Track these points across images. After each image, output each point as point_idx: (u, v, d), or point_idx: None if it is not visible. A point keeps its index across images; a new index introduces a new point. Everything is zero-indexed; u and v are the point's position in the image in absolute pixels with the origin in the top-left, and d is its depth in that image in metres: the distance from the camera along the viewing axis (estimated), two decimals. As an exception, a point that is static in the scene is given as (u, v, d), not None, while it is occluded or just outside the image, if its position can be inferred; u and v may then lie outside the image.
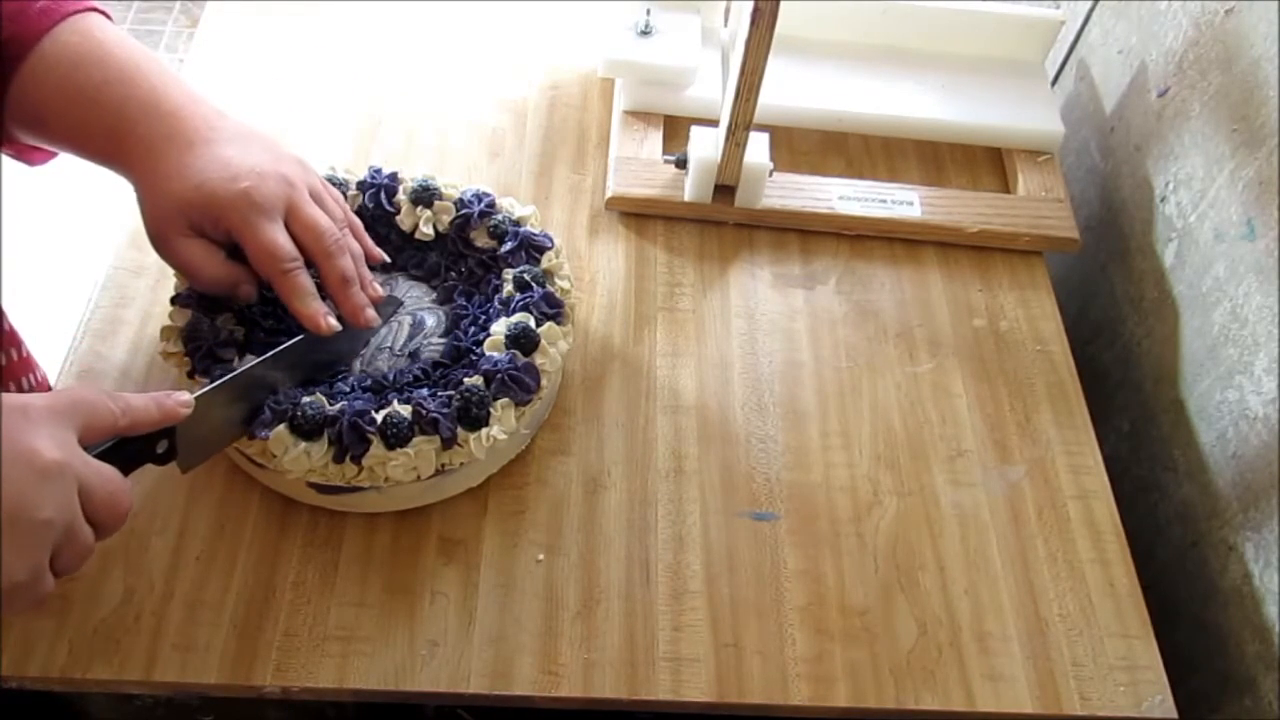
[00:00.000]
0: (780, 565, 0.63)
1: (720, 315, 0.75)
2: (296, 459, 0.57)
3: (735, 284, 0.77)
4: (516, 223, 0.68)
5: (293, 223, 0.58)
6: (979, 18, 0.88)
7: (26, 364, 0.67)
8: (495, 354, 0.61)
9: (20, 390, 0.64)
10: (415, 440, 0.58)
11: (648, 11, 0.83)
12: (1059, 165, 0.85)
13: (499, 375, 0.60)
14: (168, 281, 0.67)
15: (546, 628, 0.60)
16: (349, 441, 0.57)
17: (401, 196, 0.68)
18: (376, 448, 0.57)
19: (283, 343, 0.59)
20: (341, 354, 0.62)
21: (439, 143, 0.82)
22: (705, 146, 0.77)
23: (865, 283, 0.78)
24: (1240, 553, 0.69)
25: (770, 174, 0.77)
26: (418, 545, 0.62)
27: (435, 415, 0.58)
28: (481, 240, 0.68)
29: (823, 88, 0.87)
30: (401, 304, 0.66)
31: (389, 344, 0.64)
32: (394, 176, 0.69)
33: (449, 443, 0.58)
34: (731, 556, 0.63)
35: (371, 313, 0.61)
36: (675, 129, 0.83)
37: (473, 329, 0.64)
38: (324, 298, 0.59)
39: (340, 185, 0.68)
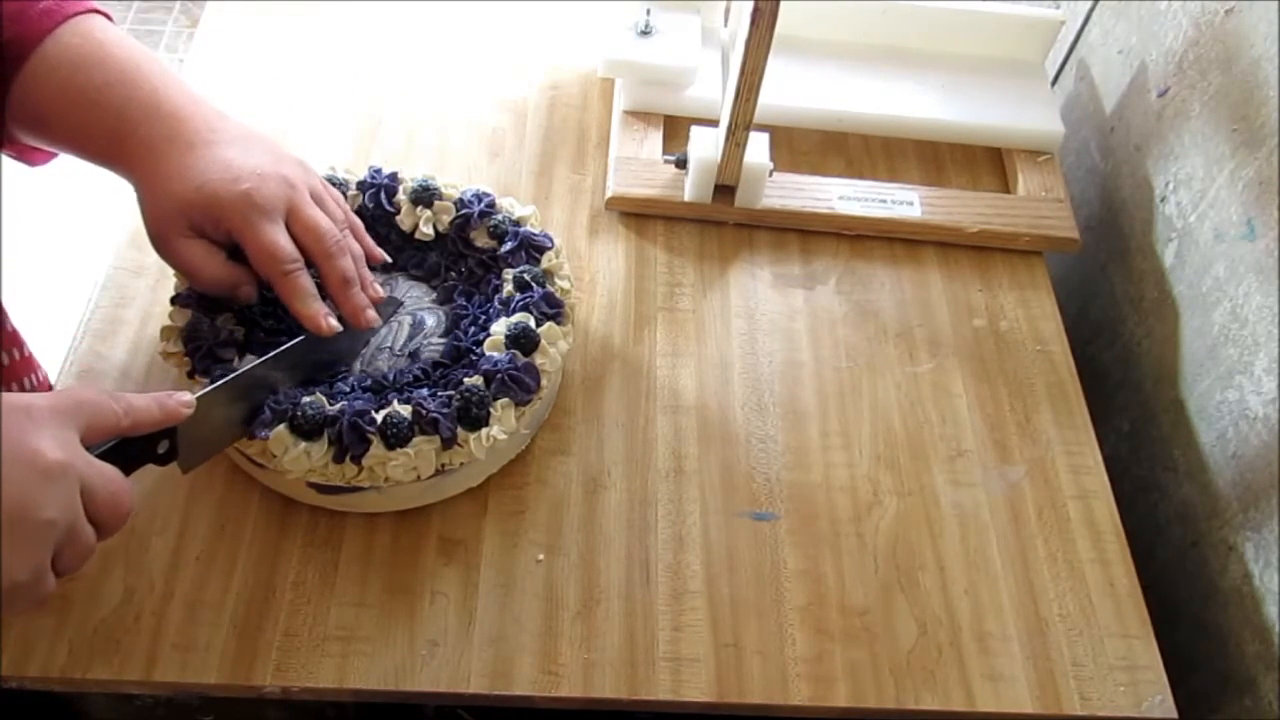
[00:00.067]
0: (780, 565, 0.63)
1: (720, 315, 0.75)
2: (296, 459, 0.57)
3: (735, 284, 0.77)
4: (516, 223, 0.68)
5: (293, 224, 0.58)
6: (979, 18, 0.88)
7: (28, 364, 0.67)
8: (495, 354, 0.61)
9: (22, 390, 0.64)
10: (415, 440, 0.58)
11: (648, 11, 0.83)
12: (1059, 165, 0.85)
13: (499, 375, 0.60)
14: (168, 281, 0.67)
15: (546, 628, 0.60)
16: (349, 441, 0.57)
17: (401, 196, 0.68)
18: (376, 448, 0.57)
19: (283, 343, 0.59)
20: (342, 354, 0.63)
21: (439, 143, 0.82)
22: (705, 146, 0.77)
23: (865, 283, 0.78)
24: (1240, 553, 0.69)
25: (770, 174, 0.77)
26: (418, 545, 0.62)
27: (435, 415, 0.58)
28: (481, 240, 0.68)
29: (823, 88, 0.87)
30: (401, 304, 0.66)
31: (389, 344, 0.64)
32: (394, 176, 0.69)
33: (449, 443, 0.58)
34: (731, 556, 0.63)
35: (372, 313, 0.61)
36: (675, 129, 0.83)
37: (473, 329, 0.64)
38: (324, 298, 0.59)
39: (340, 185, 0.68)
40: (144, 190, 0.57)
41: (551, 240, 0.68)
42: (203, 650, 0.57)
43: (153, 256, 0.59)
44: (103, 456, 0.47)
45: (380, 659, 0.58)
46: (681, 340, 0.73)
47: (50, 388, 0.68)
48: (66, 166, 0.62)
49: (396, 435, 0.57)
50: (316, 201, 0.60)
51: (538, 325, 0.63)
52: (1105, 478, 0.70)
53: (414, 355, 0.64)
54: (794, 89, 0.85)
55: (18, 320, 0.66)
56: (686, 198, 0.78)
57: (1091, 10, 0.93)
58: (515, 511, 0.64)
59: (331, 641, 0.58)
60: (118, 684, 0.56)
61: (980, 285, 0.79)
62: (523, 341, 0.62)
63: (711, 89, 0.84)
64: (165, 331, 0.62)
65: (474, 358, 0.62)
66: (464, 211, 0.68)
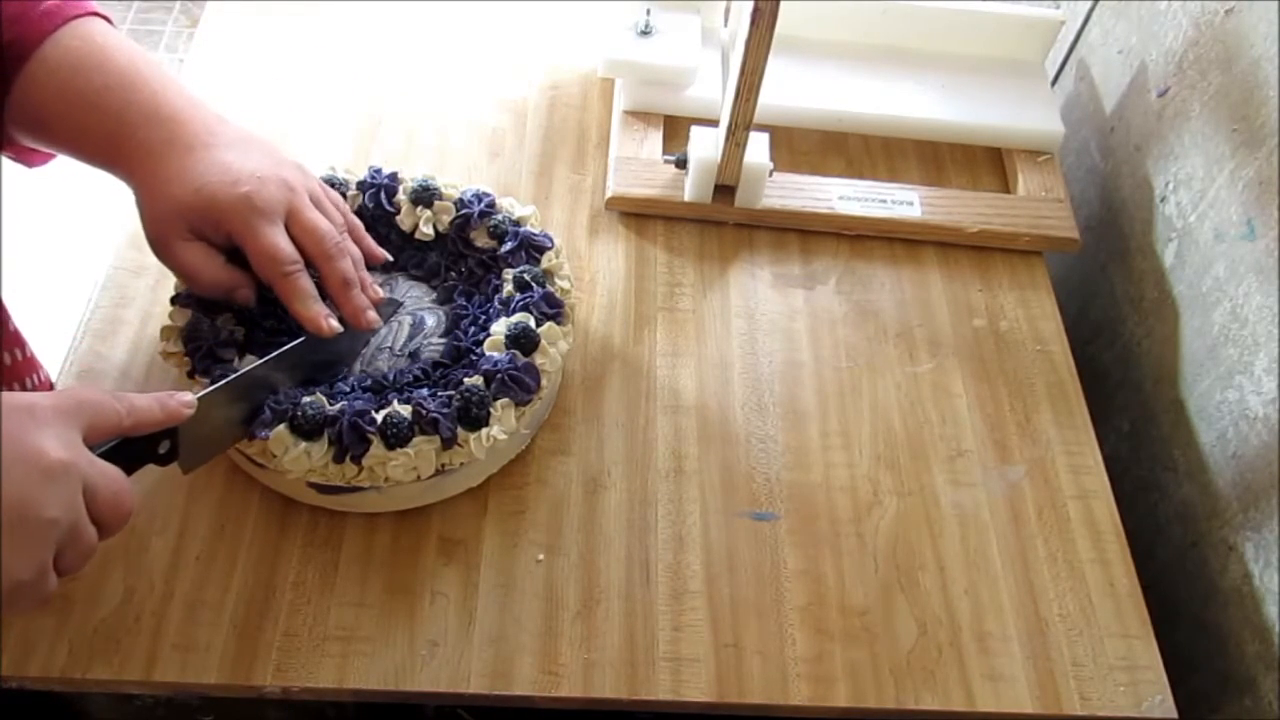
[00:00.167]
0: (780, 565, 0.63)
1: (720, 315, 0.75)
2: (296, 459, 0.57)
3: (735, 284, 0.77)
4: (516, 223, 0.68)
5: (293, 226, 0.58)
6: (979, 18, 0.88)
7: (30, 364, 0.67)
8: (495, 354, 0.62)
9: (23, 389, 0.64)
10: (415, 440, 0.58)
11: (648, 11, 0.83)
12: (1059, 165, 0.85)
13: (499, 375, 0.60)
14: (168, 281, 0.67)
15: (546, 628, 0.60)
16: (349, 441, 0.57)
17: (401, 196, 0.68)
18: (376, 448, 0.57)
19: (283, 343, 0.59)
20: (342, 355, 0.63)
21: (439, 143, 0.82)
22: (705, 146, 0.77)
23: (865, 283, 0.78)
24: (1240, 553, 0.69)
25: (770, 174, 0.77)
26: (418, 545, 0.62)
27: (435, 415, 0.58)
28: (481, 240, 0.68)
29: (823, 88, 0.87)
30: (401, 305, 0.66)
31: (389, 344, 0.64)
32: (394, 176, 0.69)
33: (449, 443, 0.59)
34: (731, 556, 0.63)
35: (372, 314, 0.61)
36: (675, 129, 0.83)
37: (473, 329, 0.64)
38: (324, 300, 0.60)
39: (340, 185, 0.68)
40: (143, 193, 0.57)
41: (551, 240, 0.68)
42: (203, 650, 0.57)
43: (153, 257, 0.59)
44: (104, 456, 0.47)
45: (380, 659, 0.58)
46: (681, 340, 0.73)
47: (52, 388, 0.68)
48: (66, 167, 0.62)
49: (396, 435, 0.57)
50: (315, 204, 0.60)
51: (538, 325, 0.63)
52: (1105, 478, 0.70)
53: (414, 355, 0.64)
54: (794, 89, 0.85)
55: (19, 320, 0.66)
56: (686, 198, 0.78)
57: (1091, 10, 0.93)
58: (515, 511, 0.64)
59: (331, 641, 0.58)
60: (118, 684, 0.56)
61: (980, 285, 0.79)
62: (523, 341, 0.62)
63: (711, 89, 0.84)
64: (165, 331, 0.62)
65: (474, 358, 0.62)
66: (464, 211, 0.68)
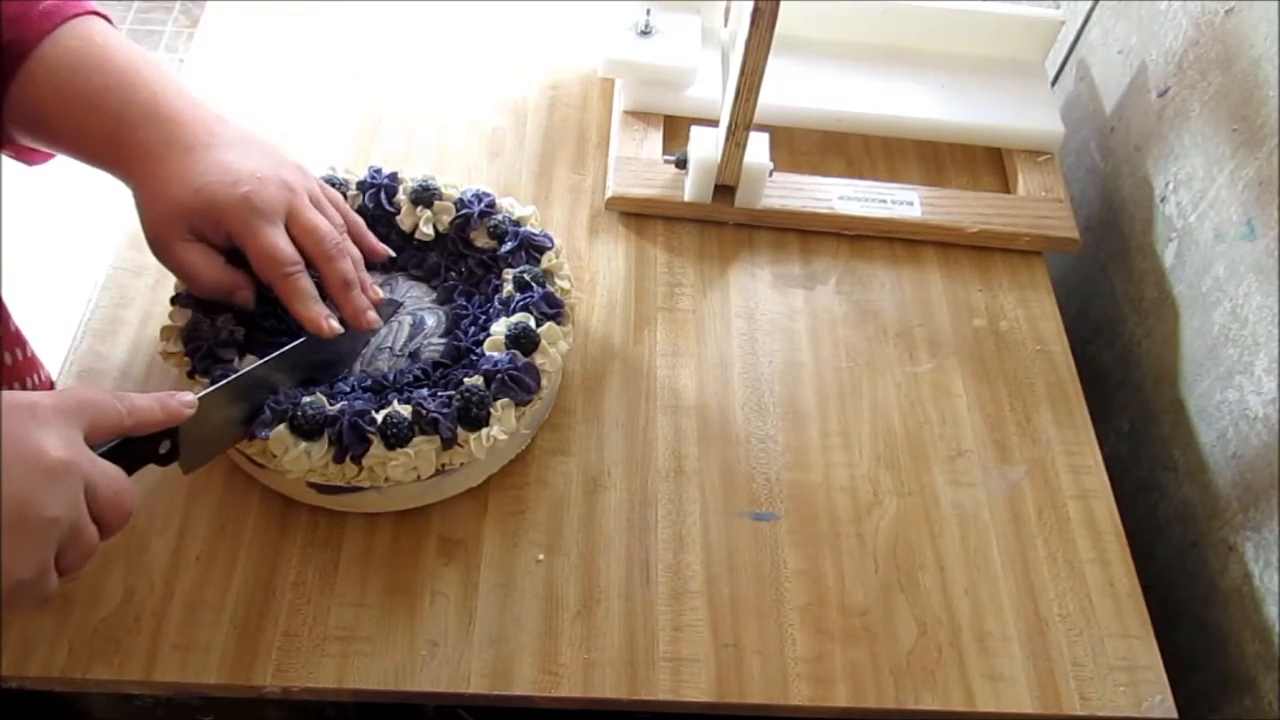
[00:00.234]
0: (780, 565, 0.63)
1: (720, 315, 0.75)
2: (296, 459, 0.57)
3: (735, 284, 0.77)
4: (516, 223, 0.68)
5: (293, 227, 0.58)
6: (979, 18, 0.88)
7: (31, 364, 0.67)
8: (495, 354, 0.62)
9: (24, 389, 0.64)
10: (415, 440, 0.58)
11: (648, 11, 0.83)
12: (1059, 165, 0.85)
13: (499, 375, 0.60)
14: (168, 281, 0.67)
15: (546, 628, 0.60)
16: (349, 441, 0.57)
17: (401, 196, 0.68)
18: (376, 448, 0.57)
19: (283, 343, 0.59)
20: (342, 355, 0.63)
21: (439, 143, 0.82)
22: (705, 146, 0.77)
23: (865, 283, 0.78)
24: (1240, 553, 0.69)
25: (770, 174, 0.77)
26: (418, 545, 0.62)
27: (435, 415, 0.58)
28: (481, 240, 0.68)
29: (823, 88, 0.87)
30: (401, 305, 0.66)
31: (389, 344, 0.64)
32: (394, 176, 0.69)
33: (449, 443, 0.59)
34: (731, 556, 0.63)
35: (373, 315, 0.61)
36: (675, 129, 0.83)
37: (473, 329, 0.64)
38: (324, 300, 0.60)
39: (340, 185, 0.68)
40: (142, 194, 0.57)
41: (551, 240, 0.68)
42: (203, 650, 0.57)
43: (153, 257, 0.59)
44: (105, 456, 0.47)
45: (380, 659, 0.58)
46: (681, 340, 0.73)
47: (53, 387, 0.68)
48: (66, 167, 0.62)
49: (396, 435, 0.57)
50: (315, 204, 0.60)
51: (538, 325, 0.63)
52: (1105, 478, 0.70)
53: (414, 355, 0.64)
54: (794, 89, 0.85)
55: (19, 320, 0.66)
56: (686, 198, 0.78)
57: (1091, 10, 0.93)
58: (515, 511, 0.64)
59: (331, 641, 0.58)
60: (118, 684, 0.56)
61: (980, 285, 0.79)
62: (523, 341, 0.62)
63: (711, 89, 0.84)
64: (165, 331, 0.62)
65: (474, 358, 0.62)
66: (464, 211, 0.68)
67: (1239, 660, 0.68)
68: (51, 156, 0.61)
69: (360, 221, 0.65)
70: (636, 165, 0.80)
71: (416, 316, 0.65)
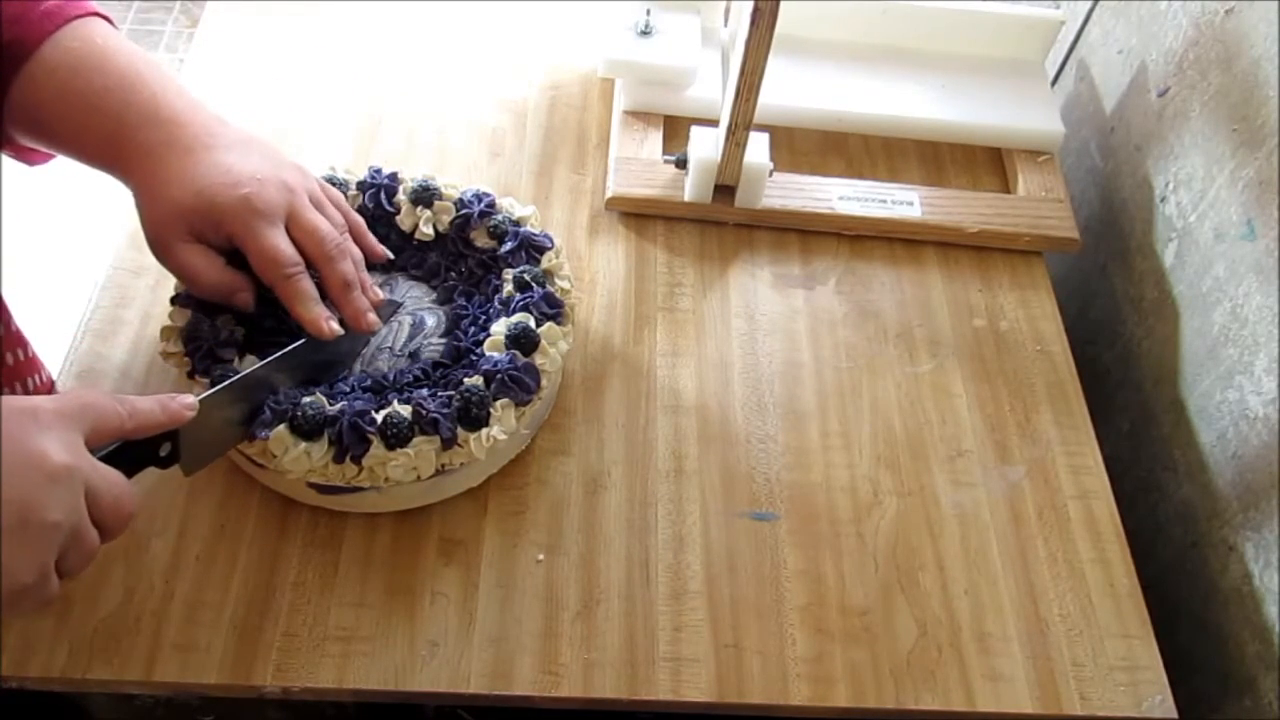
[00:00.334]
0: (780, 565, 0.63)
1: (720, 315, 0.75)
2: (296, 459, 0.57)
3: (735, 284, 0.77)
4: (516, 223, 0.68)
5: (293, 228, 0.58)
6: (979, 18, 0.88)
7: (32, 364, 0.67)
8: (495, 354, 0.62)
9: (25, 389, 0.64)
10: (415, 440, 0.58)
11: (648, 11, 0.83)
12: (1059, 165, 0.85)
13: (499, 375, 0.60)
14: (168, 281, 0.67)
15: (546, 628, 0.60)
16: (349, 441, 0.57)
17: (401, 196, 0.68)
18: (376, 448, 0.57)
19: (283, 343, 0.59)
20: (343, 356, 0.63)
21: (439, 143, 0.82)
22: (705, 146, 0.77)
23: (865, 283, 0.78)
24: (1240, 553, 0.69)
25: (770, 174, 0.77)
26: (418, 545, 0.62)
27: (435, 415, 0.58)
28: (481, 240, 0.68)
29: (823, 88, 0.87)
30: (401, 305, 0.66)
31: (389, 344, 0.64)
32: (394, 176, 0.69)
33: (449, 443, 0.59)
34: (731, 556, 0.63)
35: (373, 316, 0.61)
36: (675, 129, 0.83)
37: (473, 329, 0.64)
38: (324, 301, 0.60)
39: (340, 185, 0.68)
40: (142, 195, 0.57)
41: (551, 240, 0.68)
42: (203, 650, 0.57)
43: (153, 257, 0.59)
44: (105, 459, 0.47)
45: (380, 659, 0.58)
46: (681, 340, 0.73)
47: (53, 386, 0.68)
48: (66, 167, 0.62)
49: (396, 435, 0.57)
50: (315, 205, 0.60)
51: (538, 325, 0.63)
52: (1105, 478, 0.70)
53: (414, 355, 0.64)
54: (794, 89, 0.85)
55: (20, 320, 0.66)
56: (686, 198, 0.78)
57: (1091, 10, 0.93)
58: (515, 511, 0.64)
59: (331, 641, 0.58)
60: (118, 684, 0.56)
61: (980, 285, 0.79)
62: (523, 341, 0.62)
63: (711, 89, 0.84)
64: (165, 331, 0.62)
65: (474, 358, 0.62)
66: (464, 211, 0.68)
67: (1239, 660, 0.68)
68: (52, 157, 0.61)
69: (360, 221, 0.65)
70: (636, 165, 0.80)
71: (416, 316, 0.65)
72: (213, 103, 0.60)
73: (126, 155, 0.56)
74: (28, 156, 0.61)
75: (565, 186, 0.81)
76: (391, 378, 0.62)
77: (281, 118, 0.82)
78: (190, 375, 0.60)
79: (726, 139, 0.74)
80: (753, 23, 0.66)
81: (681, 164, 0.78)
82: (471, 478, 0.63)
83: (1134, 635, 0.63)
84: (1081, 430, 0.72)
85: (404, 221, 0.68)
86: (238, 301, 0.60)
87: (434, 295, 0.67)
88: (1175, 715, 0.61)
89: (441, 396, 0.59)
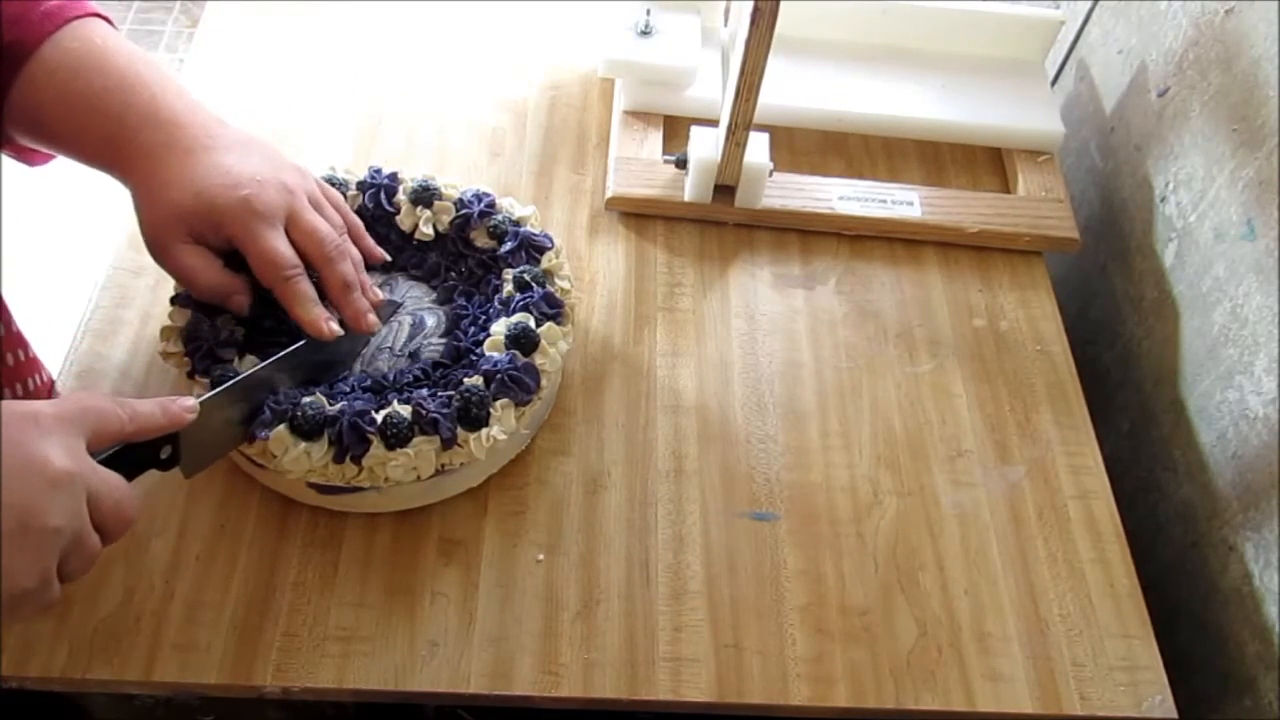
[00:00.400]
0: (780, 565, 0.63)
1: (720, 315, 0.75)
2: (296, 459, 0.57)
3: (735, 284, 0.77)
4: (516, 223, 0.68)
5: (293, 229, 0.58)
6: (979, 18, 0.88)
7: (33, 365, 0.67)
8: (495, 354, 0.62)
9: (25, 390, 0.64)
10: (415, 440, 0.58)
11: (648, 11, 0.83)
12: (1059, 165, 0.85)
13: (499, 375, 0.60)
14: (168, 282, 0.67)
15: (546, 628, 0.60)
16: (349, 442, 0.57)
17: (401, 196, 0.68)
18: (376, 448, 0.57)
19: (283, 343, 0.59)
20: (342, 357, 0.63)
21: (439, 143, 0.82)
22: (705, 146, 0.77)
23: (865, 283, 0.78)
24: (1240, 553, 0.69)
25: (770, 174, 0.77)
26: (418, 546, 0.62)
27: (435, 415, 0.58)
28: (481, 240, 0.68)
29: (823, 88, 0.87)
30: (401, 305, 0.66)
31: (389, 344, 0.64)
32: (394, 176, 0.69)
33: (449, 443, 0.59)
34: (731, 556, 0.63)
35: (373, 318, 0.61)
36: (675, 129, 0.83)
37: (473, 329, 0.64)
38: (324, 302, 0.60)
39: (340, 185, 0.68)
40: (141, 196, 0.57)
41: (551, 240, 0.68)
42: (203, 650, 0.57)
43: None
44: (106, 462, 0.47)
45: (380, 659, 0.58)
46: (681, 340, 0.73)
47: (53, 386, 0.68)
48: (67, 167, 0.62)
49: (396, 435, 0.57)
50: (315, 206, 0.60)
51: (538, 325, 0.63)
52: (1105, 478, 0.70)
53: (414, 355, 0.64)
54: (794, 89, 0.85)
55: (20, 321, 0.66)
56: (686, 198, 0.78)
57: (1091, 10, 0.93)
58: (515, 511, 0.64)
59: (331, 641, 0.58)
60: (118, 684, 0.56)
61: (980, 285, 0.79)
62: (523, 341, 0.62)
63: (711, 89, 0.84)
64: (165, 331, 0.62)
65: (474, 358, 0.62)
66: (464, 211, 0.68)
67: (1239, 660, 0.68)
68: (53, 157, 0.61)
69: (359, 222, 0.65)
70: (636, 165, 0.80)
71: (416, 316, 0.65)
72: (213, 103, 0.60)
73: (126, 156, 0.56)
74: (28, 157, 0.61)
75: (565, 186, 0.81)
76: (391, 378, 0.62)
77: (281, 118, 0.82)
78: (190, 375, 0.60)
79: (726, 139, 0.74)
80: (753, 23, 0.66)
81: (681, 164, 0.78)
82: (471, 478, 0.63)
83: (1134, 635, 0.63)
84: (1081, 430, 0.72)
85: (404, 221, 0.68)
86: (233, 305, 0.60)
87: (434, 295, 0.67)
88: (1175, 715, 0.61)
89: (441, 396, 0.59)
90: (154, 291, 0.71)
